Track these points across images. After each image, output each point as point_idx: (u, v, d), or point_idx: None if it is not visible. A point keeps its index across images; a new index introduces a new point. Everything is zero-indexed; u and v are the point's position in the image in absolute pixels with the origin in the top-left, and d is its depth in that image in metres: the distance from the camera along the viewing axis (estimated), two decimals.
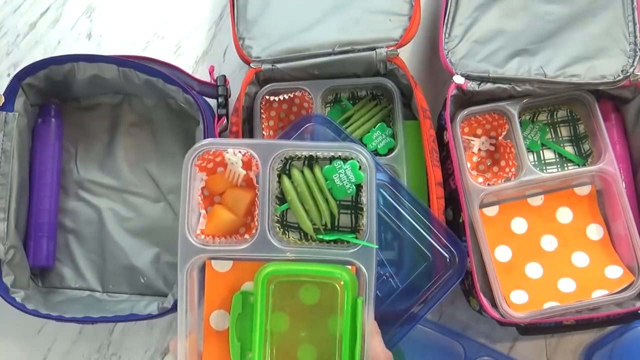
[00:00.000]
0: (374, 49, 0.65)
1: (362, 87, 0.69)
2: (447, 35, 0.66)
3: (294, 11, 0.68)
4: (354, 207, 0.56)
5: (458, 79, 0.65)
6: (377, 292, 0.59)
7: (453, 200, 0.65)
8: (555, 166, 0.70)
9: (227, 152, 0.54)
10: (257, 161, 0.52)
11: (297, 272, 0.50)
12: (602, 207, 0.68)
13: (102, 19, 0.80)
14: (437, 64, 0.69)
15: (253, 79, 0.66)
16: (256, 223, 0.52)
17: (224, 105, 0.68)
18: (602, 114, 0.66)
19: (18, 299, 0.63)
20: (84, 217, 0.71)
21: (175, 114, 0.72)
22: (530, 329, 0.65)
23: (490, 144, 0.71)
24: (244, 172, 0.55)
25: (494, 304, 0.62)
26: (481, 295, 0.61)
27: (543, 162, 0.70)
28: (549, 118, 0.71)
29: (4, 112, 0.65)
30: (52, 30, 0.79)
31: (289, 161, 0.55)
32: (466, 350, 0.66)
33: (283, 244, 0.51)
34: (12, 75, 0.68)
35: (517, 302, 0.64)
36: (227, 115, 0.67)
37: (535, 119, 0.71)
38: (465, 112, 0.66)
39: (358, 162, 0.53)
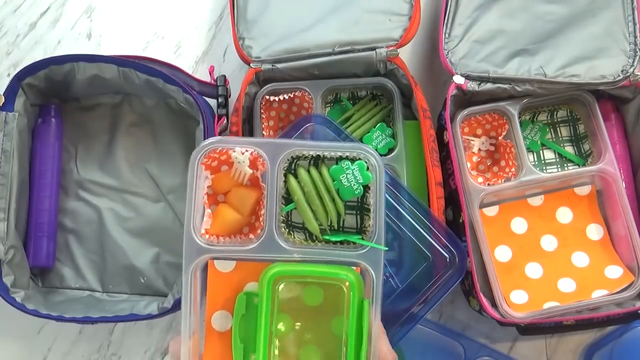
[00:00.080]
0: (374, 49, 0.65)
1: (362, 87, 0.69)
2: (447, 35, 0.66)
3: (294, 11, 0.68)
4: (360, 207, 0.56)
5: (458, 79, 0.65)
6: None
7: (453, 200, 0.65)
8: (555, 166, 0.70)
9: (235, 151, 0.53)
10: (263, 160, 0.52)
11: (303, 273, 0.50)
12: (602, 207, 0.68)
13: (102, 19, 0.80)
14: (437, 64, 0.69)
15: (253, 79, 0.66)
16: (262, 223, 0.51)
17: (224, 105, 0.68)
18: (602, 114, 0.66)
19: (18, 299, 0.63)
20: (84, 217, 0.71)
21: (175, 114, 0.72)
22: (530, 329, 0.64)
23: (490, 144, 0.71)
24: (251, 171, 0.55)
25: (494, 304, 0.62)
26: (481, 295, 0.61)
27: (543, 162, 0.70)
28: (549, 118, 0.71)
29: (4, 112, 0.65)
30: (52, 30, 0.79)
31: (295, 161, 0.55)
32: (466, 350, 0.66)
33: (289, 245, 0.51)
34: (12, 75, 0.68)
35: (517, 302, 0.64)
36: (227, 115, 0.67)
37: (535, 119, 0.71)
38: (465, 112, 0.66)
39: (366, 162, 0.53)
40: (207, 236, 0.52)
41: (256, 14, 0.68)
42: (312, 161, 0.55)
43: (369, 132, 0.67)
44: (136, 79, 0.67)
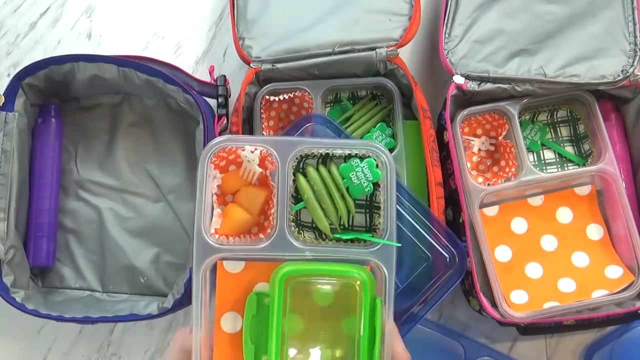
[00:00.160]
0: (374, 49, 0.65)
1: (362, 87, 0.69)
2: (447, 35, 0.66)
3: (294, 11, 0.68)
4: (369, 205, 0.55)
5: (458, 79, 0.65)
6: None
7: (453, 200, 0.65)
8: (555, 166, 0.70)
9: (244, 149, 0.52)
10: (273, 159, 0.51)
11: (315, 272, 0.50)
12: (602, 207, 0.68)
13: (102, 19, 0.80)
14: (437, 64, 0.69)
15: (253, 79, 0.66)
16: (272, 222, 0.51)
17: (224, 105, 0.68)
18: (602, 114, 0.66)
19: (18, 299, 0.63)
20: (84, 217, 0.71)
21: (175, 114, 0.72)
22: (530, 329, 0.65)
23: (490, 144, 0.71)
24: (260, 170, 0.54)
25: (494, 304, 0.62)
26: (481, 295, 0.61)
27: (543, 162, 0.70)
28: (549, 118, 0.71)
29: (4, 112, 0.65)
30: (52, 30, 0.79)
31: (303, 159, 0.55)
32: (466, 350, 0.66)
33: (300, 243, 0.51)
34: (12, 75, 0.68)
35: (517, 302, 0.64)
36: (227, 115, 0.67)
37: (535, 119, 0.71)
38: (465, 112, 0.66)
39: (375, 159, 0.52)
40: (216, 236, 0.52)
41: (256, 14, 0.68)
42: (320, 160, 0.55)
43: (369, 132, 0.67)
44: (136, 79, 0.67)
